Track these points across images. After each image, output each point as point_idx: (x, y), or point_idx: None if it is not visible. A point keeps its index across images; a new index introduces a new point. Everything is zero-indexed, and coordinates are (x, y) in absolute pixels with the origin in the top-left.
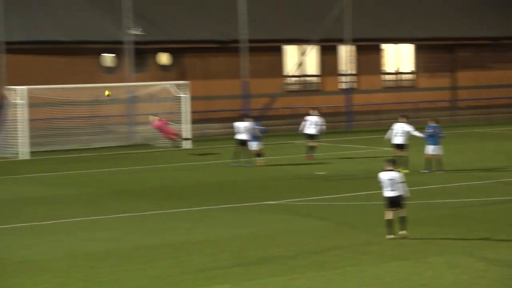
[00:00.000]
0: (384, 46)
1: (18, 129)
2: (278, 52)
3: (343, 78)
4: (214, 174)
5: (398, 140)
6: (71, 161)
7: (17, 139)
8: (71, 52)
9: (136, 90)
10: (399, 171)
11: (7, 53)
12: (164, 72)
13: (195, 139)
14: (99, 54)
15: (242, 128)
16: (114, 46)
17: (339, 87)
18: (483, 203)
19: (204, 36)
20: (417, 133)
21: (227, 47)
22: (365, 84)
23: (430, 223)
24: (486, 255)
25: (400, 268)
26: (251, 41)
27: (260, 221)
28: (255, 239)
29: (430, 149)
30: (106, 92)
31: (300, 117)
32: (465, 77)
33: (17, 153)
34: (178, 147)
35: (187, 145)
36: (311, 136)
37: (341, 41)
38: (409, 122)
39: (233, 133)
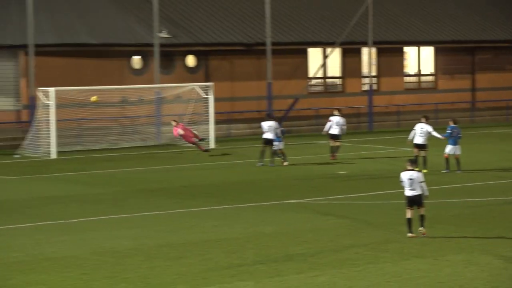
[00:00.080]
0: (405, 48)
1: (49, 130)
2: (302, 54)
3: (365, 80)
4: (238, 173)
5: (418, 140)
6: (99, 161)
7: (47, 139)
8: (101, 55)
9: (163, 92)
10: (419, 170)
11: (38, 55)
12: (190, 74)
13: (221, 140)
14: (128, 56)
15: (267, 128)
16: (142, 49)
17: (361, 89)
18: (501, 203)
19: (230, 39)
20: (436, 134)
21: (252, 50)
22: (387, 85)
23: (448, 221)
24: (504, 253)
25: (419, 265)
26: (275, 43)
27: (282, 220)
28: (277, 237)
29: (449, 149)
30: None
31: (322, 118)
32: (484, 79)
33: (48, 153)
34: (208, 150)
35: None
36: (334, 136)
37: (364, 43)
38: (429, 123)
39: (256, 134)
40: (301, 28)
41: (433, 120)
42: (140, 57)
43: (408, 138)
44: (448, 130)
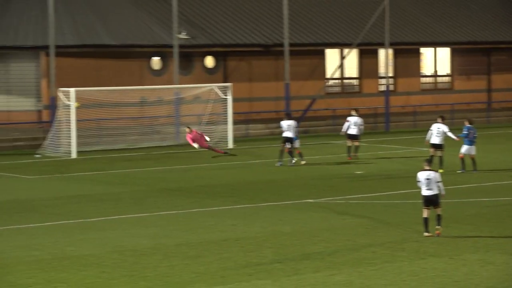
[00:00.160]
0: (422, 49)
1: (69, 130)
2: (320, 55)
3: (382, 81)
4: (256, 173)
5: (435, 140)
6: (118, 160)
7: (67, 139)
8: (120, 55)
9: (182, 92)
10: (436, 170)
11: (59, 56)
12: (209, 75)
13: (239, 140)
14: (147, 57)
15: (286, 127)
16: (162, 50)
17: (378, 89)
18: None
19: (248, 40)
20: (451, 134)
21: (270, 51)
22: (403, 86)
23: (464, 221)
24: None
25: (436, 264)
26: (293, 44)
27: (300, 219)
28: (294, 236)
29: (464, 149)
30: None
31: (339, 118)
32: (500, 79)
33: (69, 153)
34: (227, 153)
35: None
36: (352, 136)
37: (380, 44)
38: (445, 123)
39: (274, 134)
40: (318, 29)
41: (449, 121)
42: (160, 58)
43: (426, 139)
44: (465, 130)
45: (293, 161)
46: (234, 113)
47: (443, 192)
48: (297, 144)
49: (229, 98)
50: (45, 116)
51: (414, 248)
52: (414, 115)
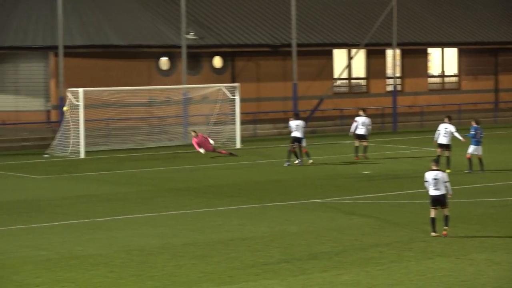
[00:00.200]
0: (429, 50)
1: (77, 130)
2: (327, 55)
3: (389, 81)
4: (263, 173)
5: (442, 140)
6: (126, 160)
7: (76, 139)
8: (129, 56)
9: (190, 92)
10: (443, 171)
11: (67, 57)
12: (217, 75)
13: (247, 140)
14: (155, 57)
15: (295, 126)
16: (170, 50)
17: (385, 90)
18: None
19: (256, 40)
20: (457, 135)
21: (278, 51)
22: (410, 86)
23: (471, 221)
24: None
25: (443, 264)
26: (301, 45)
27: (307, 219)
28: (301, 236)
29: (472, 150)
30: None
31: (347, 118)
32: (507, 79)
33: (77, 153)
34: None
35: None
36: (360, 136)
37: (388, 45)
38: (452, 123)
39: (282, 134)
40: (326, 30)
41: (456, 121)
42: (168, 58)
43: (434, 139)
44: (472, 131)
45: (297, 161)
46: (242, 113)
47: (450, 192)
48: (303, 143)
49: (237, 98)
50: (53, 116)
51: (421, 248)
52: (422, 115)
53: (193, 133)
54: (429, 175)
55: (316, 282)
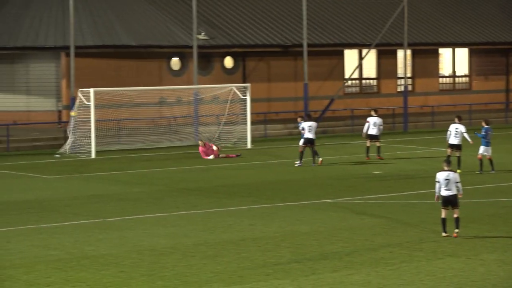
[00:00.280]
0: (440, 50)
1: (88, 130)
2: (338, 55)
3: (400, 81)
4: (274, 173)
5: (453, 140)
6: (137, 160)
7: (87, 139)
8: (140, 56)
9: (201, 92)
10: (455, 171)
11: (79, 57)
12: (228, 75)
13: (257, 140)
14: (166, 57)
15: (308, 128)
16: (181, 50)
17: (396, 90)
18: None
19: (267, 40)
20: (466, 136)
21: (289, 51)
22: (421, 86)
23: (482, 221)
24: None
25: (453, 264)
26: (312, 45)
27: (318, 219)
28: (312, 236)
29: (482, 150)
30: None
31: (358, 118)
32: None
33: (88, 152)
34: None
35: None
36: (372, 137)
37: (399, 45)
38: (462, 123)
39: (293, 134)
40: (337, 30)
41: (467, 121)
42: (179, 58)
43: (447, 139)
44: (483, 131)
45: (298, 163)
46: (253, 113)
47: (461, 192)
48: (301, 142)
49: (248, 98)
50: (64, 116)
51: (431, 248)
52: (432, 115)
53: (200, 142)
54: (441, 176)
55: (327, 282)
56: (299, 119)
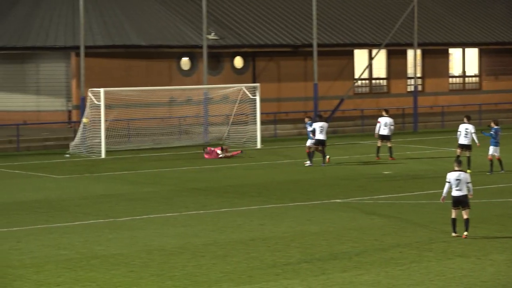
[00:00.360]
0: (450, 50)
1: (98, 130)
2: (348, 55)
3: (410, 81)
4: (284, 173)
5: (464, 140)
6: (147, 160)
7: (97, 139)
8: (150, 56)
9: (210, 92)
10: (465, 171)
11: (88, 57)
12: (238, 75)
13: (267, 140)
14: (176, 57)
15: (319, 129)
16: (191, 50)
17: (406, 90)
18: None
19: (277, 40)
20: (475, 137)
21: (299, 51)
22: (431, 86)
23: (492, 221)
24: None
25: (463, 265)
26: (322, 45)
27: (327, 219)
28: (322, 235)
29: (492, 151)
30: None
31: (368, 118)
32: None
33: (98, 152)
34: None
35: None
36: (384, 137)
37: (409, 45)
38: (471, 123)
39: (302, 134)
40: (347, 30)
41: (477, 121)
42: (189, 58)
43: (458, 138)
44: (492, 131)
45: (308, 164)
46: (263, 113)
47: (471, 193)
48: (309, 143)
49: (258, 98)
50: (74, 116)
51: (441, 248)
52: (442, 115)
53: (206, 149)
54: (452, 176)
55: (336, 282)
56: (306, 119)
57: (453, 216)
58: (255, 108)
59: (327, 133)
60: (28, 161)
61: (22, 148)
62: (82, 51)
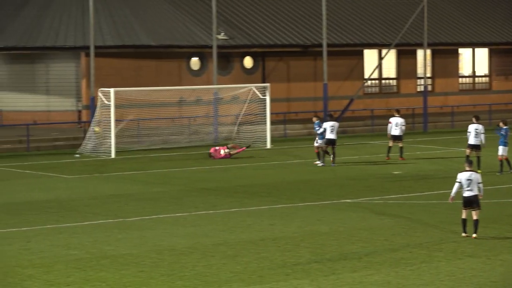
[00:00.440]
0: (460, 50)
1: (108, 129)
2: (358, 55)
3: (420, 81)
4: (294, 173)
5: (474, 141)
6: (157, 160)
7: (107, 139)
8: (159, 56)
9: (220, 92)
10: (476, 171)
11: (98, 57)
12: (248, 75)
13: (277, 140)
14: (186, 57)
15: (330, 128)
16: (200, 50)
17: (416, 90)
18: None
19: (287, 40)
20: (483, 137)
21: (309, 51)
22: (441, 86)
23: (502, 221)
24: None
25: (473, 265)
26: (331, 45)
27: (337, 219)
28: (332, 236)
29: (501, 151)
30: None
31: (377, 118)
32: None
33: (107, 152)
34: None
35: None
36: (396, 137)
37: (419, 45)
38: (480, 123)
39: (312, 134)
40: (356, 30)
41: (487, 121)
42: (198, 58)
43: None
44: (502, 132)
45: (321, 163)
46: (272, 113)
47: (481, 193)
48: (323, 143)
49: (267, 98)
50: (84, 116)
51: (451, 248)
52: (452, 115)
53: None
54: (463, 176)
55: (346, 282)
56: (314, 119)
57: (464, 216)
58: (265, 108)
59: (337, 133)
60: (38, 161)
61: (32, 148)
62: (92, 51)
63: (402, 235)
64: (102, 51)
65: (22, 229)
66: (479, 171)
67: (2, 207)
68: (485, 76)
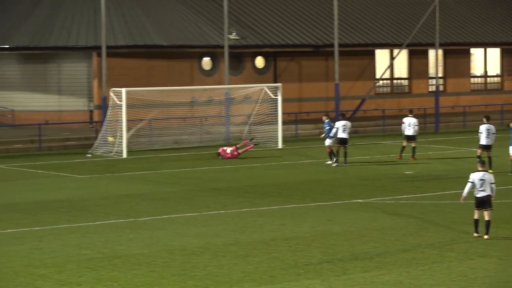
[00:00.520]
0: (471, 50)
1: (120, 129)
2: (370, 55)
3: (431, 81)
4: (305, 173)
5: (485, 141)
6: (168, 160)
7: (118, 139)
8: (171, 56)
9: (232, 92)
10: (488, 171)
11: (110, 57)
12: (259, 75)
13: (288, 140)
14: (198, 57)
15: (342, 127)
16: (212, 50)
17: (428, 90)
18: None
19: (298, 40)
20: (493, 136)
21: (320, 51)
22: (453, 86)
23: None
24: None
25: (485, 265)
26: (343, 45)
27: (349, 219)
28: (343, 236)
29: (511, 150)
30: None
31: (389, 118)
32: None
33: (119, 152)
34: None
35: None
36: (410, 137)
37: (430, 45)
38: (490, 123)
39: (323, 133)
40: (368, 30)
41: (498, 121)
42: (210, 58)
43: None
44: (511, 133)
45: (334, 163)
46: (284, 113)
47: (494, 194)
48: (327, 142)
49: (279, 98)
50: (96, 116)
51: (463, 248)
52: (464, 115)
53: (219, 152)
54: (476, 176)
55: (358, 282)
56: (324, 118)
57: (476, 217)
58: (277, 108)
59: (349, 132)
60: (49, 161)
61: (43, 148)
62: (103, 51)
63: (413, 235)
64: (114, 51)
65: (34, 228)
66: (490, 171)
67: (14, 206)
68: (497, 76)
